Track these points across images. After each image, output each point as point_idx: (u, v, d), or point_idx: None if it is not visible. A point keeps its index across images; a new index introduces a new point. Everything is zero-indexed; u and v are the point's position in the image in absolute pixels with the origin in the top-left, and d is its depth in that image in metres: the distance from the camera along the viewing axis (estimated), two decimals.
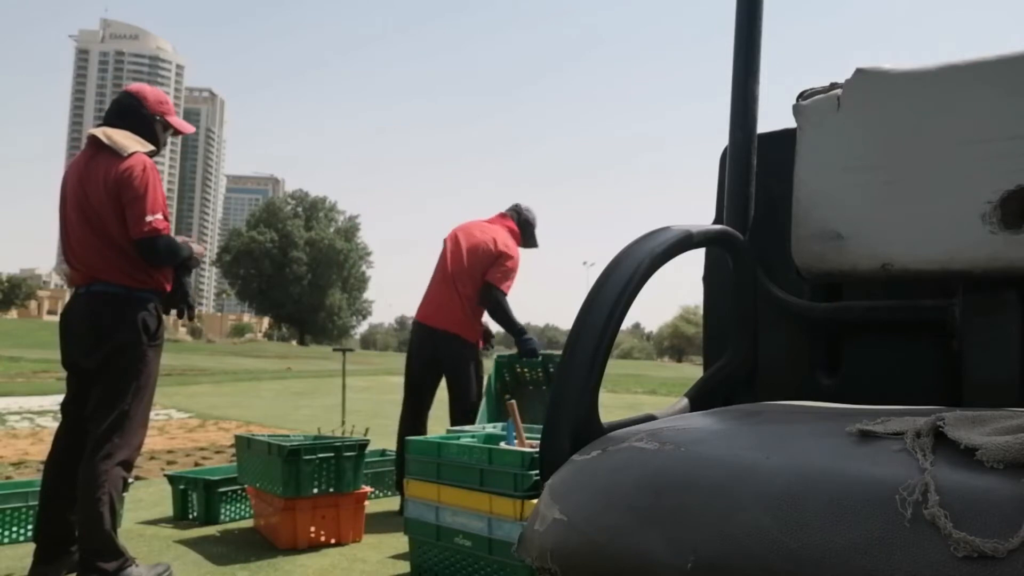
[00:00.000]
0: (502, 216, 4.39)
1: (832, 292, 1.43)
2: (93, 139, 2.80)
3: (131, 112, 2.89)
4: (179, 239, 2.92)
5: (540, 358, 4.27)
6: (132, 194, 2.70)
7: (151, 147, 2.84)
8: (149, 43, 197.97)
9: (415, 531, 3.01)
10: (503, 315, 4.17)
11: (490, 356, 4.55)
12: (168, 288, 2.85)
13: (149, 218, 2.70)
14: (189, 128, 3.11)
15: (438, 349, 4.15)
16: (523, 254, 4.36)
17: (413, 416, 4.19)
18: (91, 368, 2.72)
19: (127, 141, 2.77)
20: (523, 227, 4.38)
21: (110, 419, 2.66)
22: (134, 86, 3.00)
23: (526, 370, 4.42)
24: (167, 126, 2.97)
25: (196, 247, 3.01)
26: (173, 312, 2.97)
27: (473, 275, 4.14)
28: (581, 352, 1.00)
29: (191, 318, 3.12)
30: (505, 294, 4.15)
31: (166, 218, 2.79)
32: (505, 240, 4.22)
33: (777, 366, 1.43)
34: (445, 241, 4.30)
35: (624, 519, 0.85)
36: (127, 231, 2.71)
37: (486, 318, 4.29)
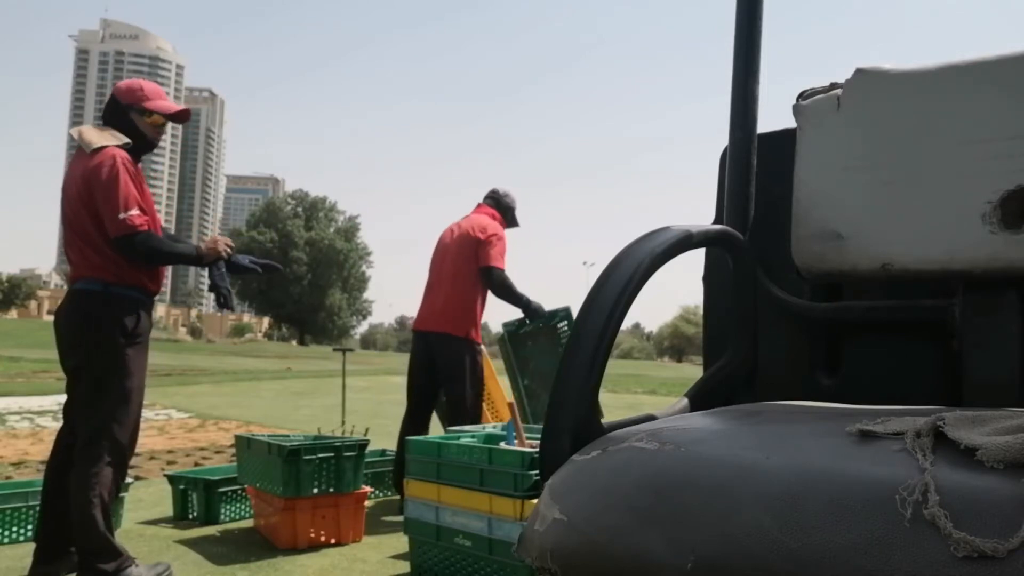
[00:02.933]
0: (479, 206, 4.40)
1: (832, 292, 1.43)
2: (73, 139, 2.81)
3: (109, 109, 2.87)
4: (206, 242, 2.95)
5: (546, 315, 4.33)
6: (102, 191, 2.65)
7: (125, 140, 2.77)
8: (149, 43, 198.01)
9: (415, 531, 3.01)
10: (507, 292, 4.19)
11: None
12: (152, 286, 2.81)
13: (122, 215, 2.63)
14: (171, 108, 2.89)
15: (432, 351, 4.16)
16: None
17: (414, 422, 4.18)
18: (73, 368, 2.72)
19: (95, 137, 2.74)
20: (505, 210, 4.37)
21: (94, 420, 2.65)
22: (117, 84, 2.96)
23: (540, 331, 4.42)
24: (144, 112, 2.83)
25: (215, 241, 2.95)
26: (176, 311, 2.98)
27: (460, 269, 4.14)
28: (581, 352, 1.00)
29: (231, 308, 3.10)
30: (503, 270, 4.15)
31: (145, 212, 2.69)
32: (485, 224, 4.21)
33: (777, 366, 1.43)
34: (438, 242, 4.35)
35: (624, 519, 0.85)
36: (101, 228, 2.68)
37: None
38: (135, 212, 2.65)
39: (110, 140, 2.74)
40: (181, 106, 2.95)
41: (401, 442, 4.01)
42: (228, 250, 2.96)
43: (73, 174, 2.75)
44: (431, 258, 4.33)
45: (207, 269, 2.98)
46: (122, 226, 2.64)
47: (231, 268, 2.98)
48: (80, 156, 2.76)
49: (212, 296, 3.04)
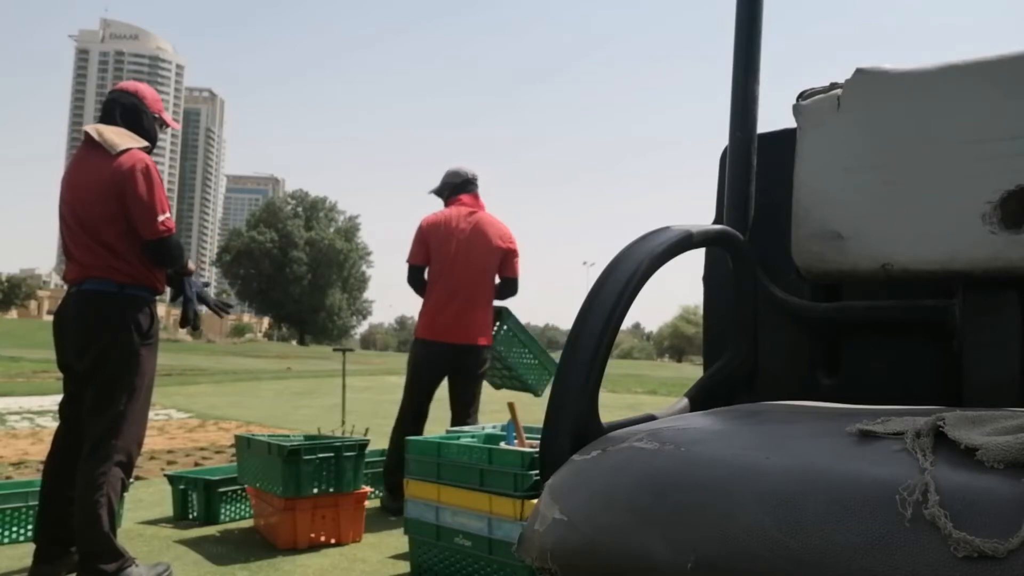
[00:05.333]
0: (475, 198, 4.25)
1: (832, 292, 1.43)
2: (87, 136, 2.79)
3: (133, 111, 2.87)
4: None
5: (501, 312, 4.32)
6: (135, 195, 2.67)
7: (145, 143, 2.82)
8: (149, 43, 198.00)
9: (415, 531, 3.01)
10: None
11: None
12: (160, 287, 2.84)
13: (161, 218, 2.70)
14: (176, 124, 3.20)
15: (460, 361, 4.11)
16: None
17: (416, 422, 4.14)
18: (84, 368, 2.70)
19: (119, 138, 2.74)
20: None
21: (105, 420, 2.64)
22: (130, 85, 2.98)
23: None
24: (164, 125, 2.99)
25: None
26: (176, 311, 3.01)
27: (487, 278, 4.11)
28: (581, 352, 1.00)
29: (195, 327, 3.17)
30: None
31: (171, 215, 2.79)
32: (504, 231, 4.20)
33: (777, 366, 1.43)
34: (442, 241, 4.10)
35: (624, 519, 0.85)
36: (118, 229, 2.69)
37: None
38: (168, 215, 2.74)
39: (131, 142, 2.77)
40: (177, 124, 3.22)
41: (398, 444, 3.99)
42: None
43: (89, 174, 2.72)
44: (446, 259, 4.09)
45: (183, 283, 3.01)
46: (160, 230, 2.70)
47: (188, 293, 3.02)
48: (96, 155, 2.73)
49: (182, 308, 3.09)
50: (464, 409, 4.15)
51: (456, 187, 4.27)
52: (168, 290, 3.01)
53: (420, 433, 4.03)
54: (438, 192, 4.34)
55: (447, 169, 4.36)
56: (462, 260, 4.09)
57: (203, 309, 3.12)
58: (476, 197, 4.28)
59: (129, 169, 2.68)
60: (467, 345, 4.08)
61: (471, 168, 4.34)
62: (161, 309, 3.02)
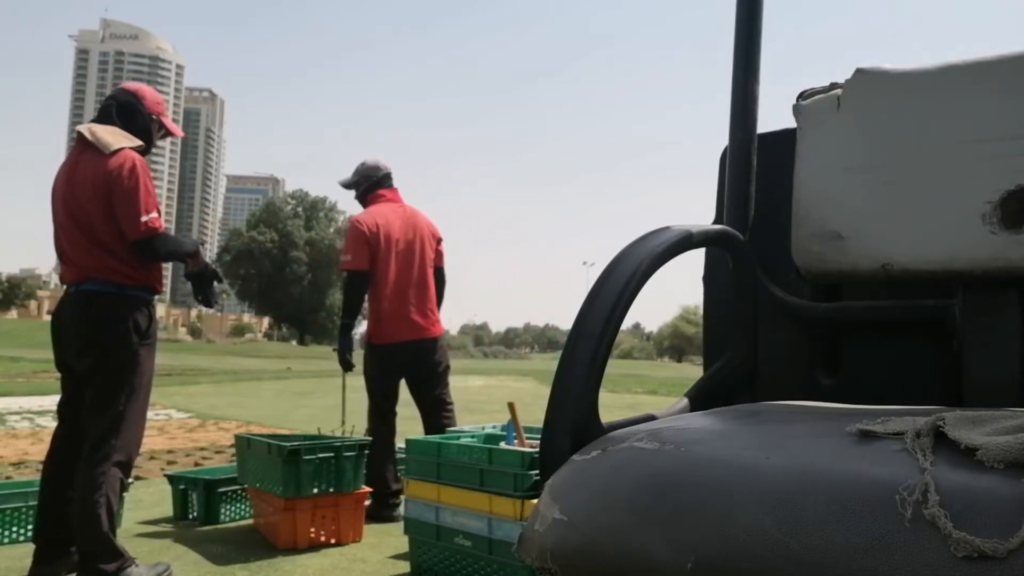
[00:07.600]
0: (395, 192, 4.21)
1: (832, 292, 1.43)
2: (80, 136, 2.79)
3: (128, 109, 2.87)
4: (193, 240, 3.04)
5: None
6: (122, 194, 2.67)
7: (139, 143, 2.81)
8: (149, 43, 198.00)
9: (415, 531, 3.01)
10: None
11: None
12: (158, 287, 2.85)
13: (144, 218, 2.68)
14: (180, 132, 3.16)
15: (424, 358, 4.08)
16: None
17: (391, 430, 4.08)
18: (84, 369, 2.71)
19: (112, 138, 2.74)
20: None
21: (105, 421, 2.64)
22: (131, 85, 2.99)
23: None
24: (161, 127, 2.98)
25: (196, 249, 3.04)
26: (176, 311, 3.02)
27: (432, 270, 4.16)
28: (581, 352, 1.00)
29: (209, 305, 3.18)
30: None
31: (160, 215, 2.78)
32: (433, 223, 4.25)
33: (777, 366, 1.43)
34: (387, 241, 4.00)
35: (624, 519, 0.85)
36: (115, 230, 2.69)
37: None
38: (154, 215, 2.73)
39: (125, 142, 2.76)
40: (183, 132, 3.22)
41: (386, 443, 3.98)
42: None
43: (84, 174, 2.72)
44: (392, 257, 4.00)
45: (195, 272, 3.01)
46: (144, 229, 2.69)
47: (205, 279, 3.05)
48: (89, 156, 2.73)
49: (198, 291, 3.10)
50: (439, 409, 4.06)
51: (377, 182, 4.17)
52: (166, 290, 3.02)
53: (393, 439, 4.03)
54: (353, 184, 4.20)
55: (363, 161, 4.23)
56: (411, 255, 4.07)
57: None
58: (395, 191, 4.22)
59: (117, 168, 2.68)
60: (428, 339, 4.07)
61: (387, 162, 4.26)
62: (161, 309, 3.03)
